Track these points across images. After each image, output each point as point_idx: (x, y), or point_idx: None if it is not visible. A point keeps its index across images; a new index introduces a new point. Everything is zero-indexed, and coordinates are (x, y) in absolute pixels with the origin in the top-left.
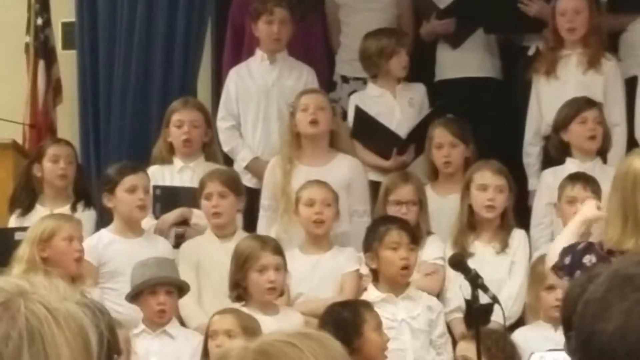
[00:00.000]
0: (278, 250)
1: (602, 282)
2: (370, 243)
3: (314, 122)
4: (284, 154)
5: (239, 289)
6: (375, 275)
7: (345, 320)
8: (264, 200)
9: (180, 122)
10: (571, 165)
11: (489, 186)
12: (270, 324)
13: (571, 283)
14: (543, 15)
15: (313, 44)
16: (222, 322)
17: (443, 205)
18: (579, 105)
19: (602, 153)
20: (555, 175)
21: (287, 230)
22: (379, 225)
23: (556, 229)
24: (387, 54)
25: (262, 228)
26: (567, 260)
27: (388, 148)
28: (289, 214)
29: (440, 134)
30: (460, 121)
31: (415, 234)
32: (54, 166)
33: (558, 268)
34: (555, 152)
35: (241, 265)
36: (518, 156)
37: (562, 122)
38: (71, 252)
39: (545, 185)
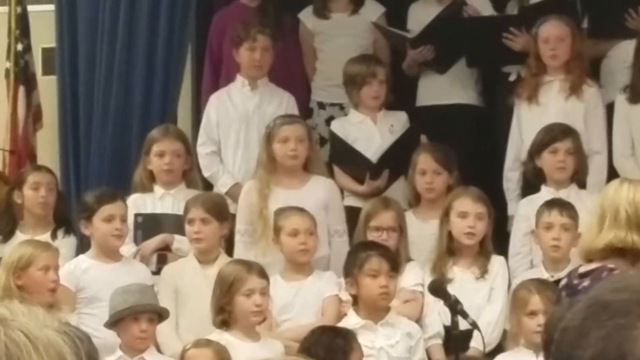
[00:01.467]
0: (263, 274)
1: (579, 309)
2: (350, 269)
3: (294, 157)
4: (260, 177)
5: (224, 313)
6: (355, 300)
7: (337, 345)
8: (240, 225)
9: (161, 152)
10: (546, 193)
11: (469, 214)
12: (252, 351)
13: (552, 310)
14: (529, 48)
15: (292, 69)
16: (198, 356)
17: (424, 231)
18: (553, 135)
19: (578, 180)
20: (531, 205)
21: (265, 254)
22: (359, 251)
23: (534, 257)
24: (358, 83)
25: (239, 253)
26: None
27: (361, 172)
28: (266, 238)
29: (424, 161)
30: (445, 148)
31: (396, 261)
32: (34, 194)
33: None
34: (531, 177)
35: (227, 289)
36: (498, 181)
37: (536, 149)
38: (46, 283)
39: (522, 215)
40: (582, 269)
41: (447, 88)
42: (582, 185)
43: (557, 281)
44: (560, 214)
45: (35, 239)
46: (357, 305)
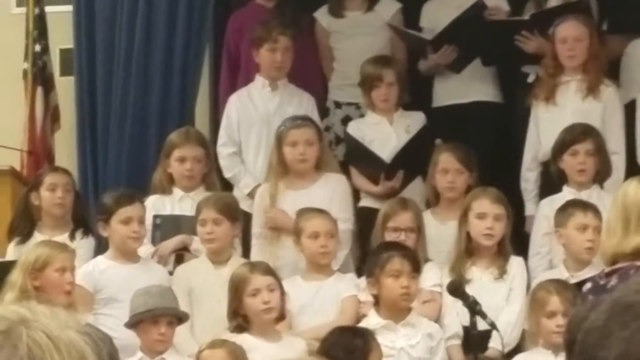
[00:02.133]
0: (268, 271)
1: (603, 311)
2: (372, 269)
3: (303, 161)
4: (270, 180)
5: (238, 318)
6: (377, 300)
7: (356, 346)
8: (255, 228)
9: (182, 158)
10: (568, 194)
11: (487, 215)
12: (273, 351)
13: (575, 309)
14: (542, 51)
15: (309, 69)
16: (213, 356)
17: (442, 232)
18: (573, 136)
19: (600, 181)
20: (552, 205)
21: (276, 256)
22: (382, 251)
23: (554, 257)
24: (367, 85)
25: (255, 255)
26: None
27: (376, 173)
28: (277, 241)
29: (446, 160)
30: (466, 148)
31: (418, 262)
32: (51, 195)
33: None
34: (554, 177)
35: (235, 292)
36: (515, 182)
37: (558, 150)
38: (62, 284)
39: (543, 215)
40: (607, 270)
41: (465, 86)
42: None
43: (580, 283)
44: (595, 216)
45: (52, 240)
46: (378, 306)
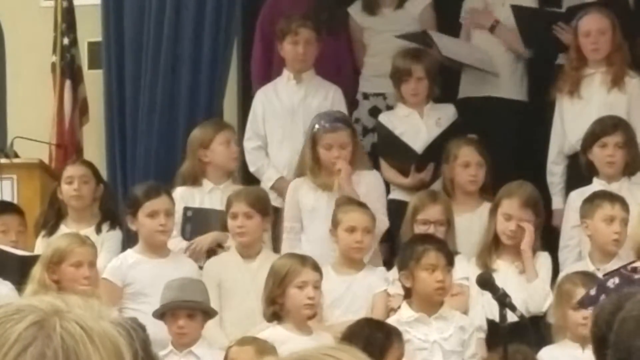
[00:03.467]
0: (317, 268)
1: (638, 301)
2: (407, 262)
3: (336, 164)
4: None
5: (275, 305)
6: (408, 293)
7: (376, 339)
8: (286, 222)
9: (227, 140)
10: (598, 186)
11: (513, 217)
12: (304, 344)
13: (602, 302)
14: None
15: (342, 61)
16: (241, 353)
17: (459, 224)
18: (602, 128)
19: (630, 173)
20: (582, 197)
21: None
22: (416, 244)
23: (584, 248)
24: (397, 79)
25: (286, 250)
26: (593, 291)
27: (406, 164)
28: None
29: (468, 153)
30: (482, 141)
31: (452, 255)
32: (68, 187)
33: (582, 303)
34: (583, 169)
35: (280, 281)
36: (541, 175)
37: (587, 143)
38: (78, 279)
39: (573, 208)
40: (638, 264)
41: (489, 81)
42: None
43: (606, 274)
44: (622, 208)
45: (72, 234)
46: (410, 299)
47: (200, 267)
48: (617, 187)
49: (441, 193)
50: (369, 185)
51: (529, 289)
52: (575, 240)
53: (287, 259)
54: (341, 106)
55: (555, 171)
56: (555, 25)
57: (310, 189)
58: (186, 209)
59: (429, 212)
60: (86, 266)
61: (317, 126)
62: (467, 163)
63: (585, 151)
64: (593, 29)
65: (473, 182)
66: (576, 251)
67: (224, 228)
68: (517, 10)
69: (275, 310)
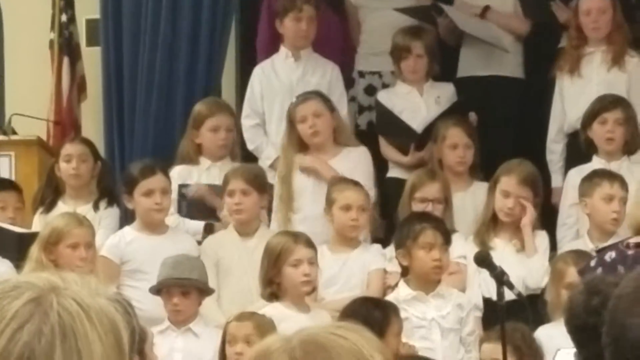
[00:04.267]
0: (310, 244)
1: (632, 278)
2: (404, 240)
3: (314, 134)
4: (284, 159)
5: (272, 285)
6: (405, 271)
7: (374, 318)
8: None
9: (216, 127)
10: (597, 164)
11: (511, 194)
12: (303, 322)
13: (572, 292)
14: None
15: (332, 39)
16: (240, 328)
17: None
18: (602, 105)
19: (629, 151)
20: (581, 175)
21: (284, 225)
22: (414, 222)
23: (582, 227)
24: (397, 56)
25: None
26: (593, 262)
27: (406, 143)
28: (285, 208)
29: (456, 134)
30: (470, 122)
31: (449, 234)
32: (67, 165)
33: (581, 272)
34: (583, 147)
35: (274, 260)
36: (540, 153)
37: (587, 119)
38: (74, 260)
39: (571, 185)
40: (633, 240)
41: (487, 59)
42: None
43: (603, 248)
44: (621, 187)
45: (71, 213)
46: (408, 277)
47: (199, 243)
48: (617, 165)
49: (439, 171)
50: (355, 161)
51: (527, 264)
52: (573, 219)
53: (280, 237)
54: (339, 84)
55: (555, 149)
56: (552, 2)
57: (298, 171)
58: (181, 186)
59: (427, 190)
60: (83, 248)
61: (290, 107)
62: (455, 144)
63: (585, 128)
64: (593, 8)
65: (460, 163)
66: (574, 229)
67: (221, 203)
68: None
69: (272, 291)
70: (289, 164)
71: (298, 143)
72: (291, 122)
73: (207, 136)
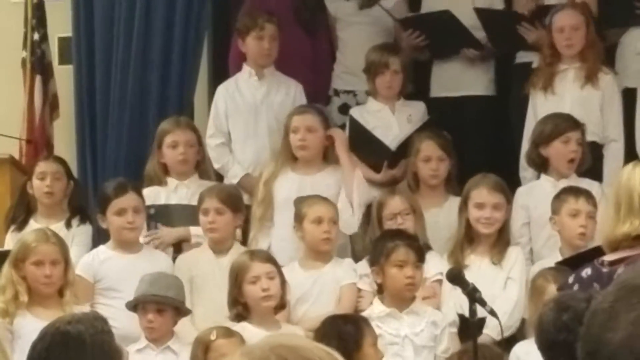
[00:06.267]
0: (268, 259)
1: (609, 292)
2: (377, 258)
3: (302, 147)
4: (270, 166)
5: (238, 306)
6: (381, 288)
7: (347, 333)
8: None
9: (174, 143)
10: (546, 182)
11: (485, 204)
12: None
13: (542, 309)
14: (540, 42)
15: (320, 59)
16: (229, 346)
17: (425, 220)
18: (566, 124)
19: (578, 170)
20: (529, 194)
21: (257, 236)
22: (386, 240)
23: (555, 244)
24: (372, 72)
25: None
26: (570, 279)
27: (379, 160)
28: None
29: (428, 148)
30: (445, 135)
31: (422, 251)
32: (40, 183)
33: (561, 289)
34: (532, 165)
35: (234, 280)
36: (513, 170)
37: (545, 137)
38: (39, 278)
39: (519, 204)
40: (608, 258)
41: (458, 78)
42: (579, 173)
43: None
44: (587, 201)
45: (40, 229)
46: (382, 294)
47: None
48: (566, 183)
49: (399, 187)
50: (338, 179)
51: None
52: (526, 238)
53: (239, 257)
54: (302, 102)
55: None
56: (519, 26)
57: (285, 180)
58: (149, 207)
59: (391, 205)
60: (47, 265)
61: (288, 114)
62: (428, 157)
63: (538, 146)
64: (567, 25)
65: (434, 176)
66: (527, 249)
67: (188, 222)
68: (482, 12)
69: (238, 312)
70: (276, 171)
71: (289, 151)
72: (285, 131)
73: (167, 153)
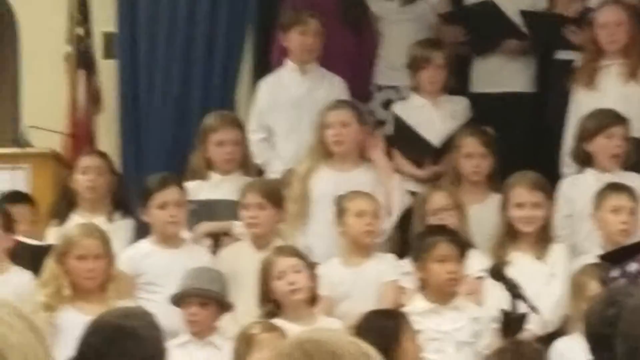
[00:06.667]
0: (294, 253)
1: None
2: (418, 254)
3: (337, 142)
4: (305, 163)
5: (269, 304)
6: (423, 284)
7: (386, 328)
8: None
9: (221, 142)
10: (590, 177)
11: (525, 204)
12: None
13: (593, 301)
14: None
15: (364, 56)
16: (272, 340)
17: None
18: (610, 120)
19: (622, 165)
20: (572, 185)
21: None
22: (428, 236)
23: (596, 238)
24: (415, 67)
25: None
26: (615, 273)
27: (422, 157)
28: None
29: (470, 144)
30: (488, 132)
31: (464, 246)
32: (83, 178)
33: (604, 282)
34: (576, 161)
35: (263, 278)
36: (555, 167)
37: (589, 132)
38: (82, 272)
39: (563, 196)
40: None
41: (499, 74)
42: (624, 169)
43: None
44: (628, 197)
45: (84, 224)
46: (425, 290)
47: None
48: (610, 177)
49: (442, 182)
50: (374, 178)
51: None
52: (567, 231)
53: (268, 254)
54: (344, 98)
55: (570, 162)
56: (563, 28)
57: (321, 176)
58: (190, 202)
59: (434, 201)
60: (90, 259)
61: (322, 109)
62: (470, 154)
63: (583, 141)
64: (610, 21)
65: (476, 172)
66: (569, 241)
67: (230, 218)
68: (528, 15)
69: (269, 309)
70: (312, 167)
71: (323, 147)
72: (319, 126)
73: (213, 150)
